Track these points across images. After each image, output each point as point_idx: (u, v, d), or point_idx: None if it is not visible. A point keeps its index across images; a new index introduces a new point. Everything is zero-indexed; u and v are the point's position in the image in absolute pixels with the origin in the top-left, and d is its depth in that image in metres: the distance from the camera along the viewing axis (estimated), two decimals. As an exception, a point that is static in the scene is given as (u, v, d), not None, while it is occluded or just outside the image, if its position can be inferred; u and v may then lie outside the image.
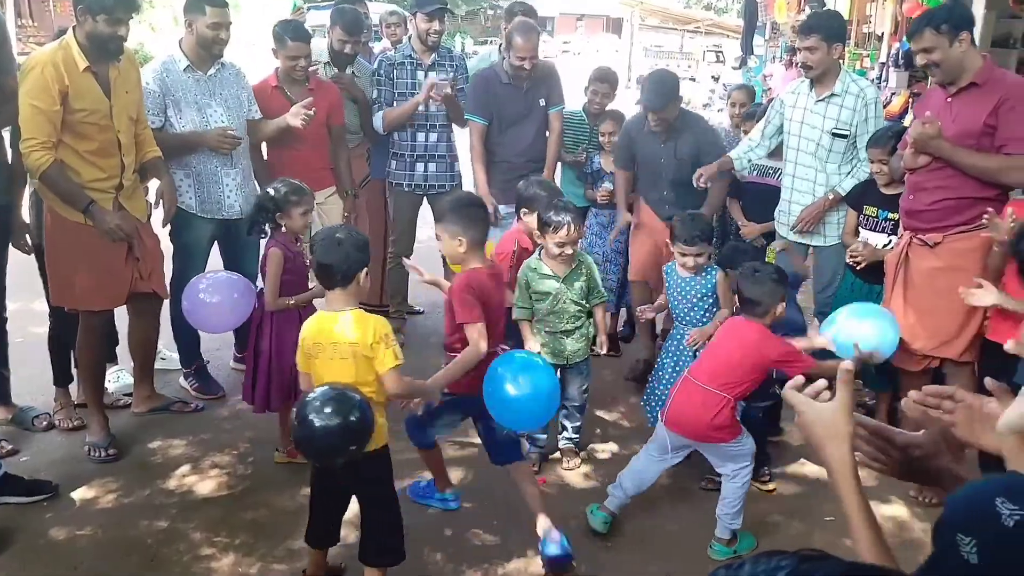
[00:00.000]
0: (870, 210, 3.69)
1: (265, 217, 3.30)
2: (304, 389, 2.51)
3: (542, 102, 4.41)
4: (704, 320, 3.46)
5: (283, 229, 3.31)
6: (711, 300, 3.44)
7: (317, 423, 2.24)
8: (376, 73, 4.55)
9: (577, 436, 3.60)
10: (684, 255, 3.40)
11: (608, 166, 4.63)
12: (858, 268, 3.65)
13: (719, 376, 2.81)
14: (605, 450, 3.78)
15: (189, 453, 3.62)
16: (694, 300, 3.46)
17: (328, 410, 2.26)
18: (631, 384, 4.39)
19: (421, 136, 4.57)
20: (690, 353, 3.41)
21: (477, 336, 2.67)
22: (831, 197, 3.83)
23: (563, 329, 3.38)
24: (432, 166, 4.62)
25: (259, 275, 3.49)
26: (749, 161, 4.32)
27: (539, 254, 3.38)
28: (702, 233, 3.40)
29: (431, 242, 4.09)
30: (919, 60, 3.15)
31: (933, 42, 3.02)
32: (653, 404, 3.50)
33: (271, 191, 3.31)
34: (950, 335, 3.27)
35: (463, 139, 4.63)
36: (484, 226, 2.88)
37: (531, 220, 3.46)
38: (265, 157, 4.39)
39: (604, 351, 3.43)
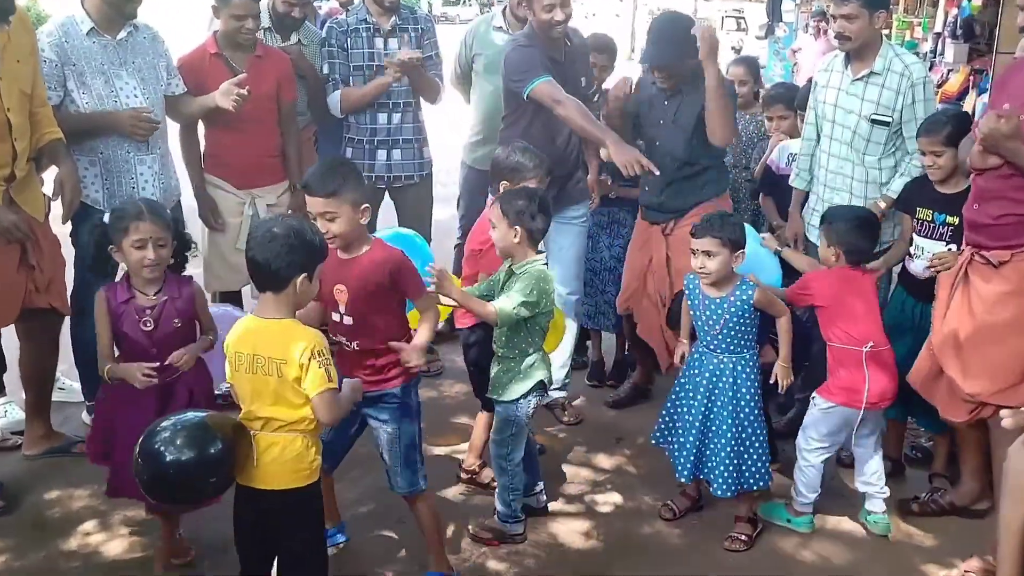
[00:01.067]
0: (924, 213, 3.67)
1: (104, 252, 3.03)
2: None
3: (583, 82, 4.28)
4: (742, 346, 3.37)
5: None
6: (747, 322, 3.33)
7: (167, 458, 2.40)
8: (326, 43, 4.54)
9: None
10: (693, 253, 3.34)
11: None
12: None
13: (879, 329, 3.44)
14: (607, 502, 3.77)
15: (94, 506, 3.57)
16: (726, 325, 3.33)
17: (179, 442, 2.41)
18: (632, 423, 4.38)
19: (382, 117, 4.55)
20: (728, 383, 3.35)
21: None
22: (883, 206, 3.80)
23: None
24: (396, 153, 4.61)
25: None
26: (791, 157, 4.30)
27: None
28: (724, 227, 3.26)
29: None
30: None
31: None
32: (669, 440, 3.53)
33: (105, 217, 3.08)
34: (1015, 378, 3.21)
35: (433, 119, 4.62)
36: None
37: None
38: (202, 141, 4.36)
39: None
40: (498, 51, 4.45)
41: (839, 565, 3.38)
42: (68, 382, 4.31)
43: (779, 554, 3.42)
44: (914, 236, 3.72)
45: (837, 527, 3.61)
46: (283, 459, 2.53)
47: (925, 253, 3.64)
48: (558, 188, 4.06)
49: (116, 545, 3.34)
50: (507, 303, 3.12)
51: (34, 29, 3.56)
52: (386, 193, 4.72)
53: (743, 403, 3.35)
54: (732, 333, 3.34)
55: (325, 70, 4.53)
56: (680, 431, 3.48)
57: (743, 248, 3.32)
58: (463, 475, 3.79)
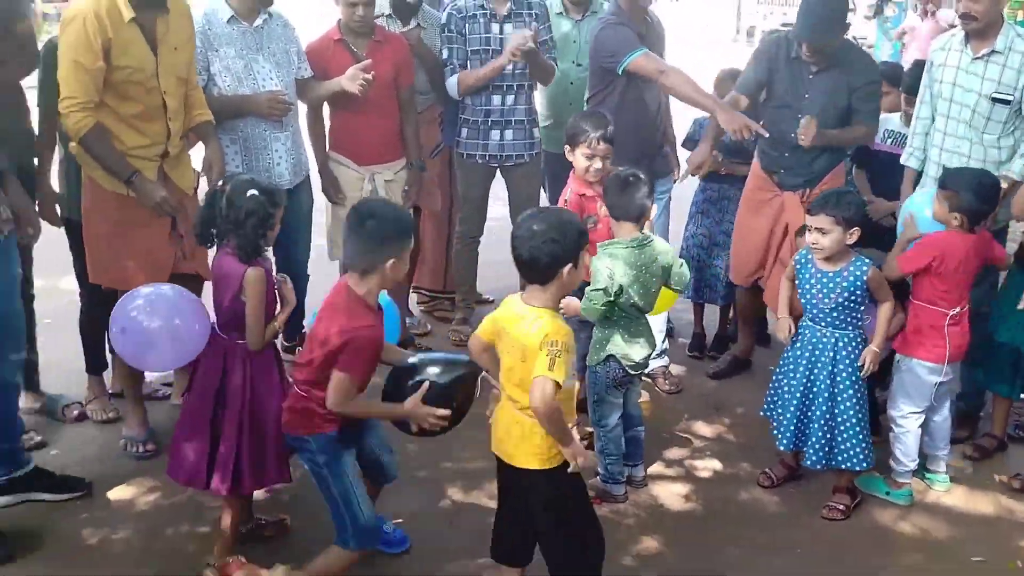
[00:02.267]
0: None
1: (262, 227, 2.92)
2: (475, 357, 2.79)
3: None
4: (847, 322, 3.38)
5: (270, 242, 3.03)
6: (857, 299, 3.34)
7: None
8: (446, 28, 4.62)
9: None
10: (808, 229, 3.36)
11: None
12: None
13: (968, 289, 3.51)
14: (706, 468, 3.86)
15: None
16: (836, 300, 3.33)
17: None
18: (733, 394, 4.45)
19: (497, 99, 4.65)
20: (828, 357, 3.38)
21: None
22: (1004, 185, 3.67)
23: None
24: (509, 133, 4.70)
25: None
26: (888, 132, 4.29)
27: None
28: (839, 204, 3.27)
29: (504, 221, 4.18)
30: None
31: None
32: (778, 412, 3.57)
33: (251, 191, 2.91)
34: None
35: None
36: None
37: (575, 159, 3.70)
38: (328, 122, 4.56)
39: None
40: (562, 36, 4.72)
41: (939, 540, 3.38)
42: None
43: (877, 526, 3.44)
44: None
45: (937, 501, 3.61)
46: (523, 438, 2.60)
47: None
48: (647, 163, 4.14)
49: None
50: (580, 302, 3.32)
51: (192, 18, 3.77)
52: (497, 171, 4.83)
53: (841, 380, 3.38)
54: (841, 308, 3.36)
55: (444, 55, 4.65)
56: (783, 402, 3.53)
57: (857, 226, 3.32)
58: None
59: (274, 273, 3.08)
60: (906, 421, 3.51)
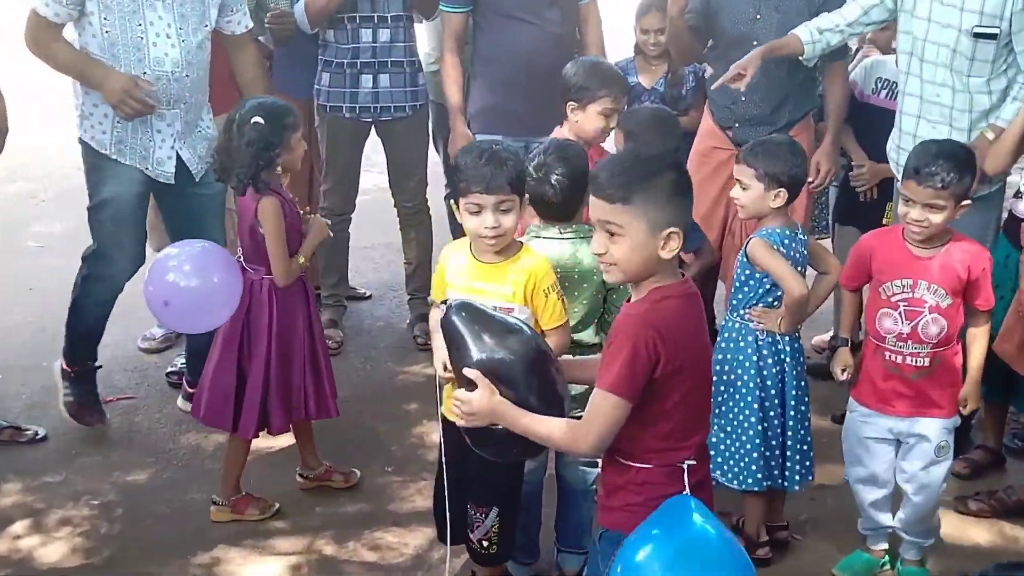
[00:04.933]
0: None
1: (267, 159, 2.92)
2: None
3: None
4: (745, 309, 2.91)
5: (276, 170, 3.02)
6: (747, 280, 2.91)
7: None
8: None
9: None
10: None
11: (648, 80, 4.04)
12: None
13: None
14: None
15: (27, 503, 3.29)
16: (737, 280, 2.95)
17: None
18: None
19: (367, 35, 3.95)
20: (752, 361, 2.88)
21: None
22: (990, 136, 3.26)
23: None
24: (385, 79, 4.02)
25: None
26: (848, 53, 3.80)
27: None
28: (763, 155, 2.82)
29: (381, 194, 3.90)
30: None
31: None
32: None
33: (255, 119, 2.89)
34: None
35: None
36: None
37: (584, 118, 3.16)
38: None
39: None
40: None
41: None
42: None
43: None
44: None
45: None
46: None
47: None
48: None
49: (52, 551, 3.02)
50: None
51: None
52: (372, 128, 4.16)
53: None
54: (742, 292, 2.96)
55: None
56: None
57: (784, 187, 2.80)
58: None
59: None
60: (857, 488, 2.90)
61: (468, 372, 1.93)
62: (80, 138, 3.34)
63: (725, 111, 3.71)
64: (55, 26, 3.15)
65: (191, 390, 3.53)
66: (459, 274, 2.46)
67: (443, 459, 2.45)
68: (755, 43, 3.52)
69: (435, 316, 2.35)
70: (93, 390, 3.62)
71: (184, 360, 3.78)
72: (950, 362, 2.75)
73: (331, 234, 3.12)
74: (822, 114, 3.88)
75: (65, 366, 3.57)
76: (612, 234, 1.84)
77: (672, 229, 1.83)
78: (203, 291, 2.92)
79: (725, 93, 3.63)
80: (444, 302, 2.22)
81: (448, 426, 2.33)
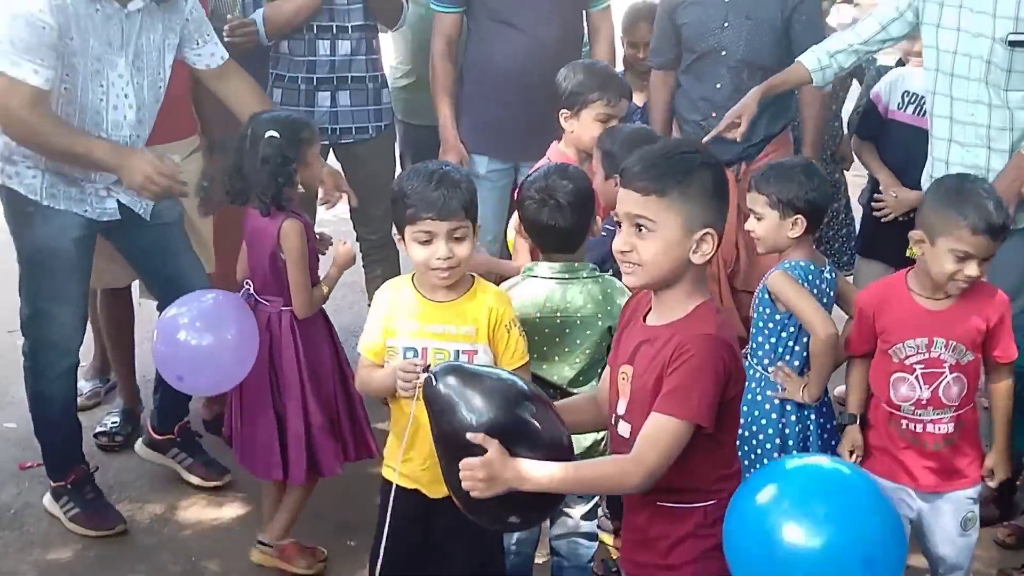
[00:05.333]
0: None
1: (286, 176, 2.79)
2: None
3: None
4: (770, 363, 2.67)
5: (296, 187, 2.89)
6: (768, 321, 2.69)
7: None
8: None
9: None
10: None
11: (639, 98, 3.76)
12: None
13: None
14: None
15: None
16: (756, 324, 2.74)
17: None
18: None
19: (324, 47, 3.63)
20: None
21: None
22: None
23: None
24: (344, 96, 3.69)
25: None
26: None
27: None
28: (777, 181, 2.63)
29: (341, 224, 3.75)
30: None
31: None
32: None
33: (271, 134, 2.77)
34: None
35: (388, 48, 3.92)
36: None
37: (579, 126, 3.01)
38: None
39: None
40: None
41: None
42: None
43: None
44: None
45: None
46: None
47: None
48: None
49: None
50: None
51: None
52: (331, 152, 3.80)
53: None
54: (761, 338, 2.81)
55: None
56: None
57: (801, 213, 2.59)
58: None
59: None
60: None
61: (474, 437, 1.71)
62: (3, 185, 2.90)
63: (696, 128, 3.52)
64: (46, 94, 2.70)
65: (157, 437, 3.40)
66: (408, 317, 2.20)
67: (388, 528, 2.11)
68: (723, 52, 3.42)
69: (403, 381, 2.13)
70: (95, 488, 3.22)
71: (126, 415, 3.60)
72: (971, 422, 2.47)
73: (352, 259, 2.97)
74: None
75: (55, 483, 3.20)
76: (641, 228, 1.74)
77: (708, 230, 1.74)
78: (221, 351, 2.77)
79: (695, 108, 3.52)
80: (427, 369, 1.92)
81: (405, 492, 2.16)
